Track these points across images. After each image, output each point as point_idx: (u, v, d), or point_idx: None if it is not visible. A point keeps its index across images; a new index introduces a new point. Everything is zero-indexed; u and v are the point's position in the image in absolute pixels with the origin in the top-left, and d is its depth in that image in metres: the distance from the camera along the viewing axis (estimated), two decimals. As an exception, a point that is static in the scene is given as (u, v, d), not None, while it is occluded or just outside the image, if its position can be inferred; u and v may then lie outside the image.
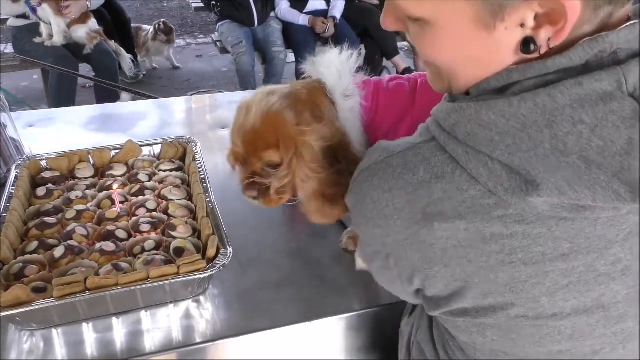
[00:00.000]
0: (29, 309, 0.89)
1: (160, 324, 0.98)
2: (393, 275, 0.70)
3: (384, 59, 4.30)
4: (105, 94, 3.62)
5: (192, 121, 1.91)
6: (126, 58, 3.82)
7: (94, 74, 3.74)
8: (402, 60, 4.27)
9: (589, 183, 0.53)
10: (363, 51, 4.21)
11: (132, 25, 4.76)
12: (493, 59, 0.58)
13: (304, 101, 0.86)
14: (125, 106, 2.06)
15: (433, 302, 0.69)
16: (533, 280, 0.59)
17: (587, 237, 0.57)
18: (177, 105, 2.02)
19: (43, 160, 1.30)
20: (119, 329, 0.97)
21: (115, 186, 1.18)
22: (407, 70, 4.19)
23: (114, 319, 0.98)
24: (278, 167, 0.88)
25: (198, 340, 0.95)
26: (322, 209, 0.89)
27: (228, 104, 2.14)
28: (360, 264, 1.04)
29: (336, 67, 0.87)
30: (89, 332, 0.96)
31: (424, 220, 0.60)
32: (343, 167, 0.85)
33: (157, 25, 4.70)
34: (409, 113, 0.88)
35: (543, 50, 0.55)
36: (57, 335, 0.95)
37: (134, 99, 3.67)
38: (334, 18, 4.04)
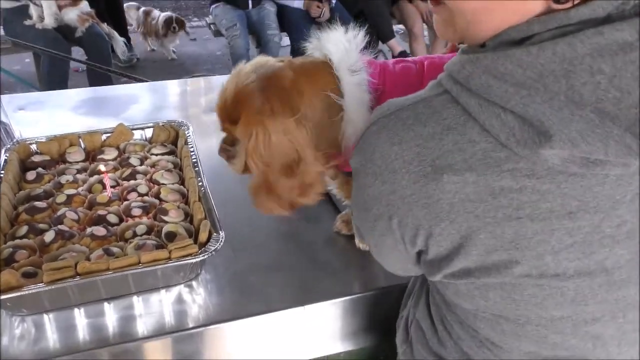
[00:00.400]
0: (19, 294, 0.88)
1: (152, 309, 0.97)
2: (395, 238, 0.68)
3: (380, 42, 4.26)
4: (99, 78, 3.58)
5: (186, 104, 1.89)
6: (119, 41, 3.77)
7: (86, 57, 3.70)
8: (397, 44, 4.23)
9: (601, 136, 0.53)
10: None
11: (142, 8, 4.61)
12: (521, 7, 0.57)
13: (282, 87, 0.81)
14: (118, 89, 2.04)
15: (435, 264, 0.67)
16: (539, 237, 0.59)
17: (595, 195, 0.57)
18: (170, 88, 2.00)
19: (33, 144, 1.28)
20: (111, 314, 0.96)
21: (104, 169, 1.16)
22: (403, 54, 4.16)
23: (106, 304, 0.97)
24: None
25: (191, 325, 0.95)
26: (265, 201, 0.87)
27: (219, 86, 2.12)
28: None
29: (343, 44, 0.84)
30: (80, 317, 0.95)
31: (433, 173, 0.60)
32: (296, 173, 0.83)
33: (169, 19, 4.52)
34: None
35: (577, 1, 0.55)
36: (49, 321, 0.95)
37: (126, 82, 3.64)
38: (329, 1, 4.00)
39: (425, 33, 4.50)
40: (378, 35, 4.18)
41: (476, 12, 0.60)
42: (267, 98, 0.80)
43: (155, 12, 4.64)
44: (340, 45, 0.84)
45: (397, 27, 4.64)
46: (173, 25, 4.50)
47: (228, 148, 0.92)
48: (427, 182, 0.60)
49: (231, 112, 0.84)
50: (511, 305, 0.65)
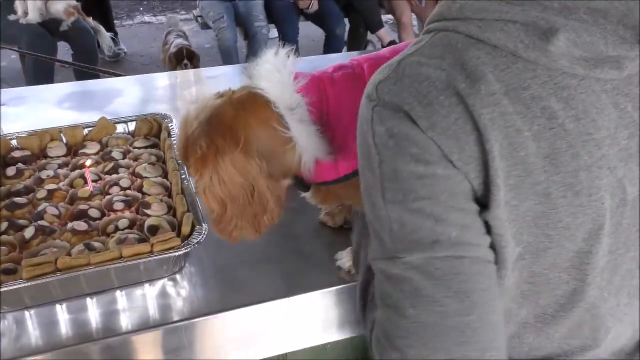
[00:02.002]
0: (-2, 290, 0.87)
1: (135, 303, 0.96)
2: (448, 179, 0.60)
3: (369, 32, 4.25)
4: (86, 72, 3.55)
5: (170, 97, 1.88)
6: (105, 36, 3.74)
7: (72, 52, 3.67)
8: (386, 34, 4.22)
9: (598, 30, 0.57)
10: (347, 25, 4.17)
11: (167, 30, 4.02)
12: None
13: (224, 125, 0.82)
14: (104, 83, 2.02)
15: (481, 197, 0.62)
16: (572, 150, 0.59)
17: (605, 103, 0.60)
18: (159, 81, 1.98)
19: (13, 139, 1.27)
20: (94, 309, 0.95)
21: (88, 163, 1.15)
22: (392, 43, 4.14)
23: (88, 299, 0.96)
24: None
25: (175, 319, 0.94)
26: (230, 231, 0.87)
27: (207, 79, 2.11)
28: (344, 263, 1.02)
29: (275, 77, 0.83)
30: (62, 313, 0.94)
31: (469, 88, 0.58)
32: (252, 202, 0.83)
33: (179, 54, 3.77)
34: None
35: None
36: (30, 317, 0.94)
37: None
38: (318, -7, 3.98)
39: (415, 23, 4.48)
40: (367, 25, 4.17)
41: None
42: (211, 139, 0.81)
43: (171, 37, 3.96)
44: (273, 79, 0.83)
45: (386, 17, 4.62)
46: (184, 62, 3.76)
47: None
48: (466, 99, 0.58)
49: (185, 159, 0.87)
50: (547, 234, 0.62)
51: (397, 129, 0.60)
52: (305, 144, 0.83)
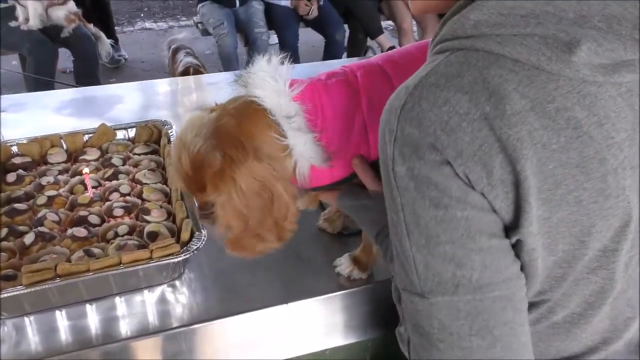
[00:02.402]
0: (-3, 297, 0.87)
1: (135, 310, 0.96)
2: (473, 211, 0.61)
3: (368, 38, 4.26)
4: (86, 80, 3.57)
5: (173, 103, 1.88)
6: (105, 43, 3.75)
7: (72, 58, 3.68)
8: (386, 40, 4.24)
9: (615, 36, 0.57)
10: (347, 31, 4.18)
11: (174, 45, 3.81)
12: None
13: (230, 136, 0.81)
14: (104, 89, 2.02)
15: (513, 220, 0.63)
16: (599, 155, 0.59)
17: (621, 106, 0.60)
18: (159, 87, 1.99)
19: (13, 145, 1.27)
20: (93, 315, 0.95)
21: (86, 170, 1.15)
22: (392, 49, 4.15)
23: (88, 306, 0.97)
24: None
25: (175, 325, 0.94)
26: (252, 247, 0.86)
27: (208, 85, 2.11)
28: (343, 269, 1.03)
29: (270, 84, 0.82)
30: (62, 319, 0.95)
31: (494, 110, 0.58)
32: (275, 206, 0.82)
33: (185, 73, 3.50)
34: (357, 112, 0.85)
35: None
36: (30, 323, 0.94)
37: (114, 82, 3.59)
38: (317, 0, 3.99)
39: (415, 29, 4.50)
40: (366, 31, 4.18)
41: None
42: (223, 151, 0.79)
43: (180, 54, 3.73)
44: (268, 87, 0.82)
45: (386, 24, 4.64)
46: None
47: (207, 214, 0.91)
48: (491, 123, 0.58)
49: (196, 181, 0.83)
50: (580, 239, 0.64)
51: (418, 170, 0.61)
52: (302, 152, 0.82)
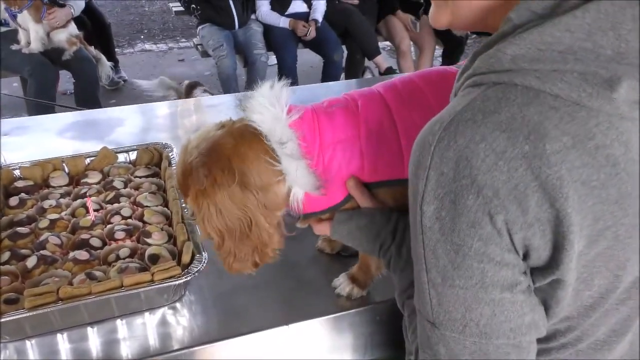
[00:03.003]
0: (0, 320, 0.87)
1: (136, 332, 0.97)
2: (501, 252, 0.61)
3: (366, 59, 4.31)
4: (86, 101, 3.59)
5: (171, 126, 1.90)
6: (106, 65, 3.79)
7: (73, 80, 3.71)
8: (384, 60, 4.28)
9: None
10: (345, 52, 4.23)
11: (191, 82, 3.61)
12: None
13: (222, 157, 0.83)
14: (105, 112, 2.05)
15: (549, 260, 0.63)
16: (635, 192, 0.60)
17: None
18: (159, 110, 2.01)
19: (16, 169, 1.29)
20: (94, 338, 0.96)
21: (88, 194, 1.17)
22: (390, 70, 4.20)
23: (89, 328, 0.97)
24: None
25: (175, 347, 0.94)
26: (230, 263, 0.89)
27: (207, 107, 2.14)
28: (343, 289, 1.03)
29: (268, 110, 0.84)
30: (63, 343, 0.95)
31: (533, 149, 0.57)
32: (250, 235, 0.85)
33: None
34: (356, 141, 0.86)
35: None
36: (31, 347, 0.94)
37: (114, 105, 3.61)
38: (315, 21, 4.04)
39: (412, 49, 4.55)
40: (364, 52, 4.23)
41: None
42: (209, 170, 0.83)
43: (198, 91, 3.36)
44: (265, 112, 0.84)
45: (383, 44, 4.69)
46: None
47: (192, 219, 0.98)
48: (529, 162, 0.57)
49: (183, 188, 0.88)
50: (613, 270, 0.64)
51: (445, 212, 0.61)
52: (295, 178, 0.84)
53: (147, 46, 6.18)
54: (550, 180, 0.57)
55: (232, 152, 0.84)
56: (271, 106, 0.84)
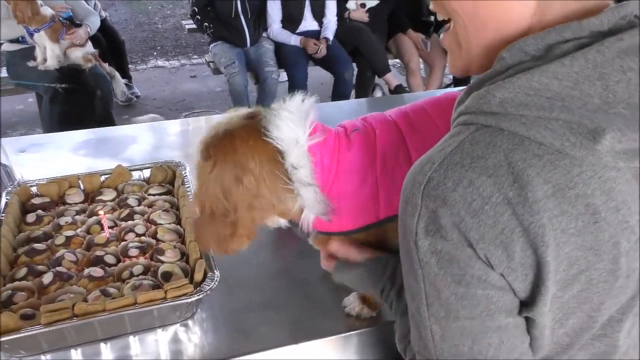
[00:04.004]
0: (16, 336, 0.89)
1: (148, 349, 0.98)
2: (493, 291, 0.63)
3: (376, 76, 4.34)
4: (101, 117, 3.64)
5: (184, 144, 1.93)
6: (120, 82, 3.84)
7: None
8: (393, 78, 4.30)
9: (637, 126, 0.57)
10: (355, 70, 4.26)
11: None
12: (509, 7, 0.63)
13: (234, 149, 0.85)
14: (117, 130, 2.08)
15: (529, 297, 0.65)
16: (613, 239, 0.60)
17: (636, 189, 0.61)
18: (170, 128, 2.04)
19: (33, 186, 1.32)
20: (108, 354, 0.97)
21: (102, 212, 1.19)
22: (399, 87, 4.22)
23: (102, 345, 0.99)
24: None
25: (187, 364, 0.96)
26: (201, 236, 0.94)
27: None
28: (353, 309, 1.05)
29: (291, 132, 0.84)
30: (77, 358, 0.97)
31: (517, 197, 0.58)
32: (228, 221, 0.88)
33: None
34: (371, 170, 0.87)
35: None
36: (46, 362, 0.96)
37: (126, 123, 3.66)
38: (326, 39, 4.08)
39: (422, 66, 4.58)
40: (374, 69, 4.26)
41: (468, 11, 0.65)
42: (217, 151, 0.86)
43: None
44: (286, 132, 0.84)
45: (393, 62, 4.72)
46: None
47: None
48: (513, 208, 0.59)
49: (198, 153, 0.91)
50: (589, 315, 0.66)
51: (441, 247, 0.62)
52: (306, 201, 0.85)
53: (160, 63, 6.26)
54: (532, 227, 0.59)
55: (244, 151, 0.84)
56: (294, 125, 0.84)
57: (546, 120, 0.59)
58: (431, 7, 0.71)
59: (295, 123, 0.84)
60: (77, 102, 3.37)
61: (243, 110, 0.92)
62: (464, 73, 0.72)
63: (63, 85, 3.30)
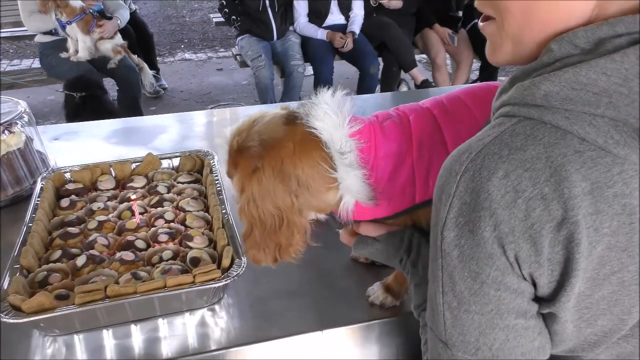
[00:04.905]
0: (52, 314, 0.93)
1: (176, 331, 1.01)
2: (516, 285, 0.64)
3: (402, 71, 4.32)
4: (129, 108, 3.72)
5: (212, 134, 1.96)
6: (148, 73, 3.91)
7: (117, 87, 3.84)
8: (419, 73, 4.29)
9: None
10: (381, 64, 4.26)
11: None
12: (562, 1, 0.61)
13: (278, 156, 0.84)
14: (147, 120, 2.12)
15: (552, 292, 0.65)
16: None
17: None
18: (197, 118, 2.07)
19: (67, 172, 1.36)
20: (137, 335, 1.00)
21: (134, 197, 1.22)
22: (425, 83, 4.21)
23: (133, 326, 1.02)
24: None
25: (213, 348, 0.98)
26: (252, 251, 0.91)
27: (243, 117, 2.18)
28: (377, 298, 1.06)
29: (330, 118, 0.84)
30: (108, 338, 1.00)
31: (552, 192, 0.57)
32: (284, 229, 0.87)
33: None
34: (407, 156, 0.88)
35: None
36: (79, 341, 0.99)
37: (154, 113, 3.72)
38: (353, 33, 4.09)
39: (448, 62, 4.55)
40: (400, 64, 4.24)
41: (520, 8, 0.63)
42: (262, 164, 0.84)
43: None
44: (328, 121, 0.84)
45: (420, 57, 4.70)
46: None
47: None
48: (547, 204, 0.58)
49: (233, 162, 0.90)
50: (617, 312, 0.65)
51: (465, 240, 0.63)
52: (349, 187, 0.86)
53: (187, 55, 6.34)
54: (565, 224, 0.58)
55: (287, 156, 0.85)
56: (334, 114, 0.85)
57: (591, 116, 0.58)
58: (476, 5, 0.69)
59: (334, 112, 0.85)
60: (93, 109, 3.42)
61: (276, 111, 0.92)
62: (506, 64, 0.71)
63: (81, 94, 3.36)
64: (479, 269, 0.63)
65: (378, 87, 4.34)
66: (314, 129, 0.85)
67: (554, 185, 0.58)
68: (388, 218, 0.91)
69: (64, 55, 3.58)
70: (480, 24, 0.71)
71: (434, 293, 0.70)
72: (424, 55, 4.70)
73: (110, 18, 3.70)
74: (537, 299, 0.67)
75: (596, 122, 0.58)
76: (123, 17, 3.83)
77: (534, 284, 0.65)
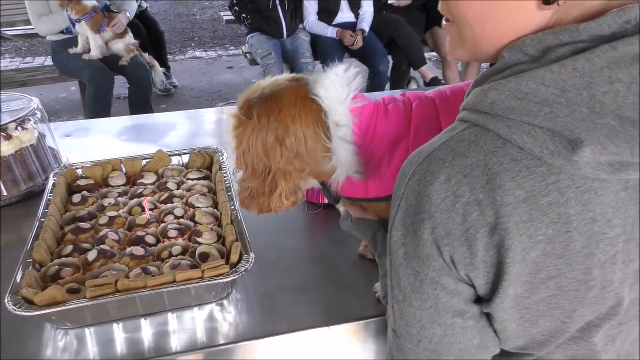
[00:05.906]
0: (63, 308, 0.94)
1: (185, 326, 1.02)
2: (451, 285, 0.67)
3: (411, 69, 4.32)
4: (139, 106, 3.74)
5: (221, 131, 1.97)
6: (159, 71, 3.93)
7: (128, 85, 3.87)
8: (429, 70, 4.28)
9: (625, 139, 0.56)
10: (390, 62, 4.25)
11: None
12: (516, 10, 0.62)
13: (277, 109, 0.87)
14: (157, 117, 2.14)
15: (488, 294, 0.67)
16: (586, 250, 0.61)
17: (623, 201, 0.60)
18: (207, 116, 2.09)
19: (79, 168, 1.38)
20: (147, 329, 1.02)
21: (144, 194, 1.24)
22: (435, 80, 4.20)
23: (142, 320, 1.03)
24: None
25: (221, 342, 0.99)
26: (245, 199, 0.96)
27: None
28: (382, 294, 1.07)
29: (336, 89, 0.87)
30: (119, 332, 1.01)
31: (487, 199, 0.60)
32: (268, 180, 0.91)
33: None
34: (404, 139, 0.89)
35: (561, 3, 0.60)
36: (90, 334, 1.01)
37: (165, 110, 3.74)
38: (362, 31, 4.08)
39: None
40: (410, 62, 4.24)
41: (475, 18, 0.65)
42: (260, 112, 0.88)
43: None
44: (332, 91, 0.86)
45: (429, 54, 4.69)
46: None
47: None
48: (482, 209, 0.60)
49: (238, 110, 0.93)
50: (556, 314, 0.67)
51: (409, 240, 0.67)
52: (340, 159, 0.88)
53: (198, 53, 6.36)
54: (497, 230, 0.60)
55: (285, 109, 0.87)
56: (339, 87, 0.87)
57: (530, 126, 0.59)
58: (439, 7, 0.71)
59: (341, 85, 0.87)
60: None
61: (287, 74, 0.95)
62: (467, 61, 0.75)
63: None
64: (419, 268, 0.67)
65: (387, 85, 4.34)
66: (317, 96, 0.87)
67: (488, 192, 0.60)
68: (380, 199, 0.93)
69: (72, 50, 3.60)
70: (443, 23, 0.73)
71: (389, 285, 0.74)
72: (434, 53, 4.68)
73: (118, 13, 3.71)
74: (479, 299, 0.69)
75: (534, 132, 0.59)
76: (131, 8, 3.84)
77: (473, 286, 0.67)
